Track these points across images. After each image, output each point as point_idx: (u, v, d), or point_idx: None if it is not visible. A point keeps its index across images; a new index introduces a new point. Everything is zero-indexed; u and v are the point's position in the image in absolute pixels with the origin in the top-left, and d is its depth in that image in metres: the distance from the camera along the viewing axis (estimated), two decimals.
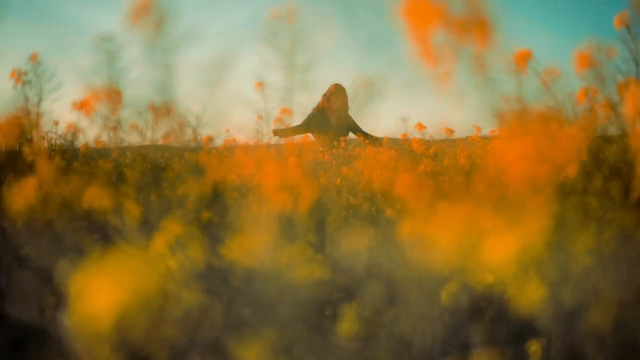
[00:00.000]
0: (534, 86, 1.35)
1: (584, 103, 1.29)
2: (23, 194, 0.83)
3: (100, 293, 0.53)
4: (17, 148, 1.43)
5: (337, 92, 5.94)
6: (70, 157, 2.06)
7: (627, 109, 1.01)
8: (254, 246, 0.76)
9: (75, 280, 0.55)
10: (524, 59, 1.43)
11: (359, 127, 6.07)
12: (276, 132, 5.60)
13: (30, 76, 1.54)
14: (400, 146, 3.81)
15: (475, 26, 0.53)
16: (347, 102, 5.97)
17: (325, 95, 5.94)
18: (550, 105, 1.36)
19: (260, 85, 2.09)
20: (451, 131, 3.86)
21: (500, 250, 0.63)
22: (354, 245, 1.00)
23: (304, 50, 1.41)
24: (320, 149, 5.97)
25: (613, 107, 1.18)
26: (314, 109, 5.94)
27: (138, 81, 1.27)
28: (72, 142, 2.36)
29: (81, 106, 1.50)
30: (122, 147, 3.06)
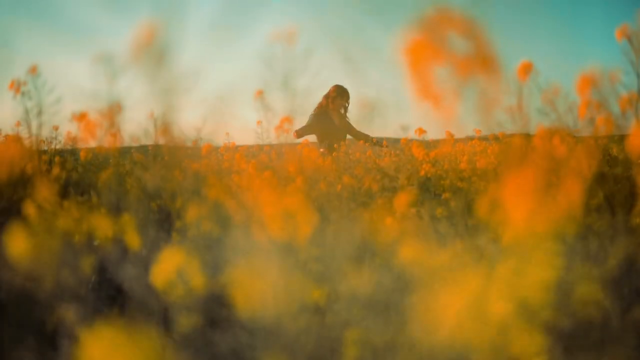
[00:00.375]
0: (536, 98, 1.34)
1: (585, 116, 1.28)
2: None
3: None
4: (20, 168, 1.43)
5: (339, 93, 5.93)
6: (71, 167, 2.05)
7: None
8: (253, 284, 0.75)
9: None
10: (526, 71, 1.43)
11: (356, 130, 6.06)
12: (296, 134, 5.64)
13: (29, 88, 1.53)
14: (401, 150, 3.80)
15: (480, 64, 0.52)
16: (347, 104, 5.97)
17: (327, 96, 5.93)
18: (552, 119, 1.35)
19: (261, 94, 2.08)
20: (452, 135, 3.86)
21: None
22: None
23: (303, 73, 1.41)
24: (322, 150, 5.97)
25: (615, 122, 1.18)
26: (315, 109, 5.93)
27: (138, 99, 1.26)
28: (72, 150, 2.36)
29: (80, 118, 1.49)
30: (122, 151, 3.05)
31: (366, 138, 6.04)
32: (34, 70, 1.44)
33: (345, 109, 5.96)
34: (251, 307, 0.73)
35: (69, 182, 1.82)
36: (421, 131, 3.66)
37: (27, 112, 1.58)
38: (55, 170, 1.67)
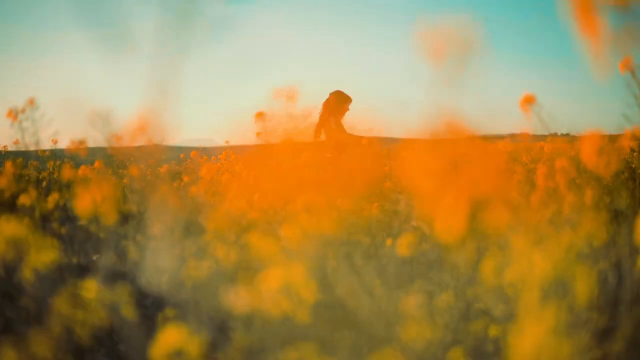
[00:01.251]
0: None
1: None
2: None
3: None
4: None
5: (339, 99, 5.90)
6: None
7: None
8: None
9: None
10: None
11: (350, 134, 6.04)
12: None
13: (26, 117, 1.52)
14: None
15: None
16: (345, 108, 5.93)
17: (326, 103, 5.90)
18: None
19: (261, 116, 2.06)
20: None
21: None
22: None
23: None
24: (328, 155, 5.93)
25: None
26: (318, 117, 5.90)
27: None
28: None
29: (74, 149, 1.49)
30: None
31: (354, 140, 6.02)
32: (31, 103, 1.43)
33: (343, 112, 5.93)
34: None
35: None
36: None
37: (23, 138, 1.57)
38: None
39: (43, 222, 1.64)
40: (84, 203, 1.18)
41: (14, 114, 1.58)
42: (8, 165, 1.87)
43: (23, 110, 1.58)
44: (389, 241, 1.78)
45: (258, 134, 2.89)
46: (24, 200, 1.60)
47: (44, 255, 0.95)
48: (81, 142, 1.56)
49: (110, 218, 1.18)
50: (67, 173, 2.16)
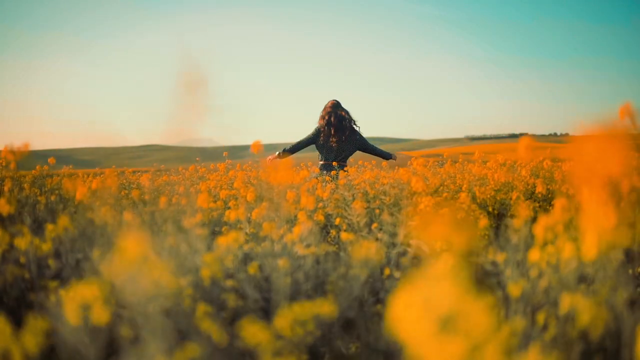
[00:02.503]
0: None
1: None
2: None
3: None
4: None
5: (335, 110, 5.87)
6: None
7: None
8: None
9: None
10: None
11: (369, 145, 6.00)
12: (280, 156, 5.63)
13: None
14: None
15: None
16: (345, 119, 5.90)
17: (323, 115, 5.89)
18: None
19: (258, 146, 2.06)
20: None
21: None
22: None
23: None
24: (322, 162, 5.93)
25: None
26: (316, 128, 5.89)
27: None
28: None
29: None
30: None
31: (383, 153, 6.01)
32: (26, 147, 1.42)
33: (348, 123, 5.90)
34: None
35: None
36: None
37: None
38: None
39: None
40: None
41: None
42: None
43: None
44: None
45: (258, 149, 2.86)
46: None
47: None
48: None
49: None
50: None
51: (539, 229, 1.21)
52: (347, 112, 5.96)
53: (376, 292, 1.76)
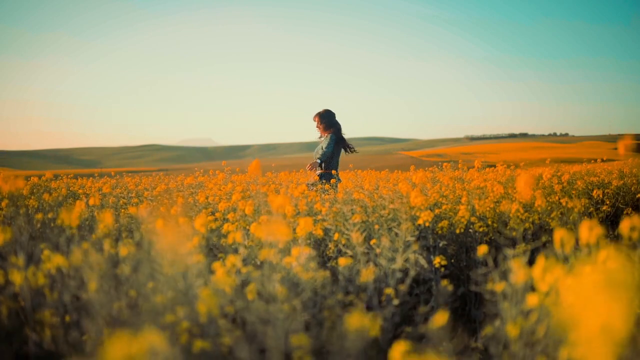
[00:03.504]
0: None
1: None
2: None
3: None
4: None
5: (326, 117, 5.95)
6: None
7: None
8: None
9: None
10: None
11: (348, 145, 6.04)
12: (315, 166, 5.68)
13: None
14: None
15: None
16: (331, 125, 5.97)
17: (318, 123, 5.99)
18: None
19: (257, 168, 2.05)
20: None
21: None
22: None
23: None
24: (324, 171, 5.95)
25: None
26: (326, 133, 5.95)
27: None
28: None
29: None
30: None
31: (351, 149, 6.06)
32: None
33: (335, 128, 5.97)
34: None
35: None
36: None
37: None
38: None
39: None
40: None
41: None
42: None
43: None
44: None
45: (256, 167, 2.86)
46: None
47: None
48: None
49: None
50: None
51: (537, 271, 1.20)
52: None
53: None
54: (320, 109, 6.20)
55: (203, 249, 2.23)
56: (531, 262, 2.94)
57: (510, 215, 3.68)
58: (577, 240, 1.64)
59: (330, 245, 3.39)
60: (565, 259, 1.41)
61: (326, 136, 6.00)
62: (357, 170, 6.70)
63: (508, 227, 3.69)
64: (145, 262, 1.70)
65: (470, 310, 3.45)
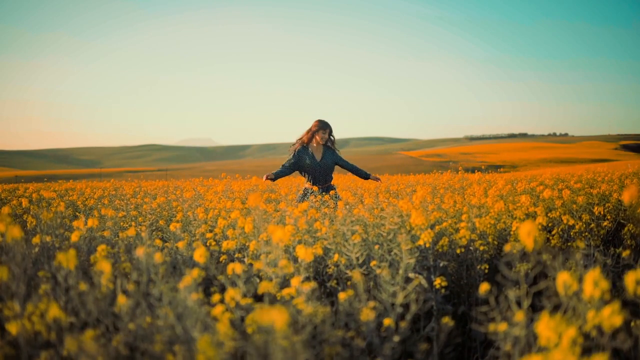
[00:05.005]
0: None
1: None
2: None
3: None
4: None
5: (322, 128, 5.89)
6: None
7: None
8: None
9: None
10: None
11: (346, 162, 6.00)
12: (268, 178, 5.62)
13: None
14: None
15: None
16: (331, 137, 5.93)
17: (309, 131, 5.90)
18: None
19: (258, 197, 2.03)
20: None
21: None
22: None
23: None
24: (307, 184, 5.92)
25: None
26: (295, 145, 5.90)
27: None
28: None
29: None
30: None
31: (357, 171, 5.97)
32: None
33: (332, 142, 5.93)
34: None
35: None
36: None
37: None
38: None
39: None
40: None
41: None
42: None
43: None
44: None
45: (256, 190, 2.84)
46: None
47: None
48: None
49: None
50: None
51: (541, 327, 1.18)
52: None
53: None
54: (318, 120, 6.14)
55: (202, 280, 2.21)
56: (535, 279, 2.91)
57: (511, 232, 3.66)
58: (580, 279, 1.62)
59: (330, 264, 3.38)
60: (569, 308, 1.40)
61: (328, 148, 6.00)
62: (357, 182, 6.68)
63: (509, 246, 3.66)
64: (143, 302, 1.68)
65: (471, 330, 3.43)
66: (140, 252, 1.59)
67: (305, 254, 2.16)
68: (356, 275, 1.81)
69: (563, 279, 1.52)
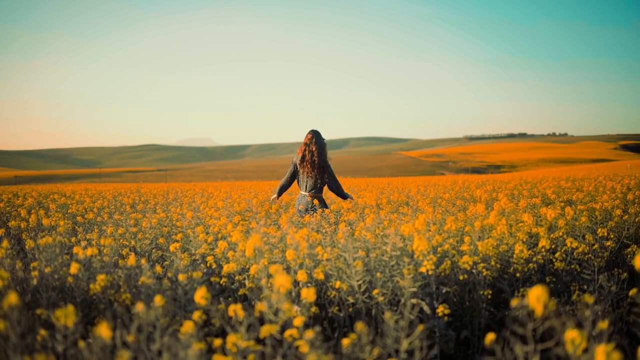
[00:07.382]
0: None
1: None
2: None
3: None
4: None
5: (315, 139, 5.95)
6: None
7: None
8: None
9: None
10: None
11: (332, 179, 6.01)
12: (274, 200, 5.71)
13: None
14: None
15: None
16: (324, 148, 5.96)
17: (305, 143, 6.02)
18: None
19: (258, 239, 2.00)
20: None
21: None
22: None
23: None
24: (304, 192, 5.96)
25: None
26: (295, 157, 6.03)
27: None
28: None
29: None
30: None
31: (338, 190, 5.99)
32: None
33: (324, 152, 5.97)
34: None
35: None
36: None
37: None
38: None
39: None
40: None
41: None
42: None
43: None
44: None
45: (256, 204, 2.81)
46: None
47: None
48: None
49: None
50: None
51: None
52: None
53: None
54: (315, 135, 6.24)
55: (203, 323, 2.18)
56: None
57: (515, 255, 3.63)
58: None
59: (331, 288, 3.35)
60: None
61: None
62: (358, 200, 6.66)
63: (512, 268, 3.64)
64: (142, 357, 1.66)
65: (475, 355, 3.41)
66: (140, 307, 1.56)
67: (308, 293, 2.13)
68: (360, 326, 1.78)
69: (571, 336, 1.49)
